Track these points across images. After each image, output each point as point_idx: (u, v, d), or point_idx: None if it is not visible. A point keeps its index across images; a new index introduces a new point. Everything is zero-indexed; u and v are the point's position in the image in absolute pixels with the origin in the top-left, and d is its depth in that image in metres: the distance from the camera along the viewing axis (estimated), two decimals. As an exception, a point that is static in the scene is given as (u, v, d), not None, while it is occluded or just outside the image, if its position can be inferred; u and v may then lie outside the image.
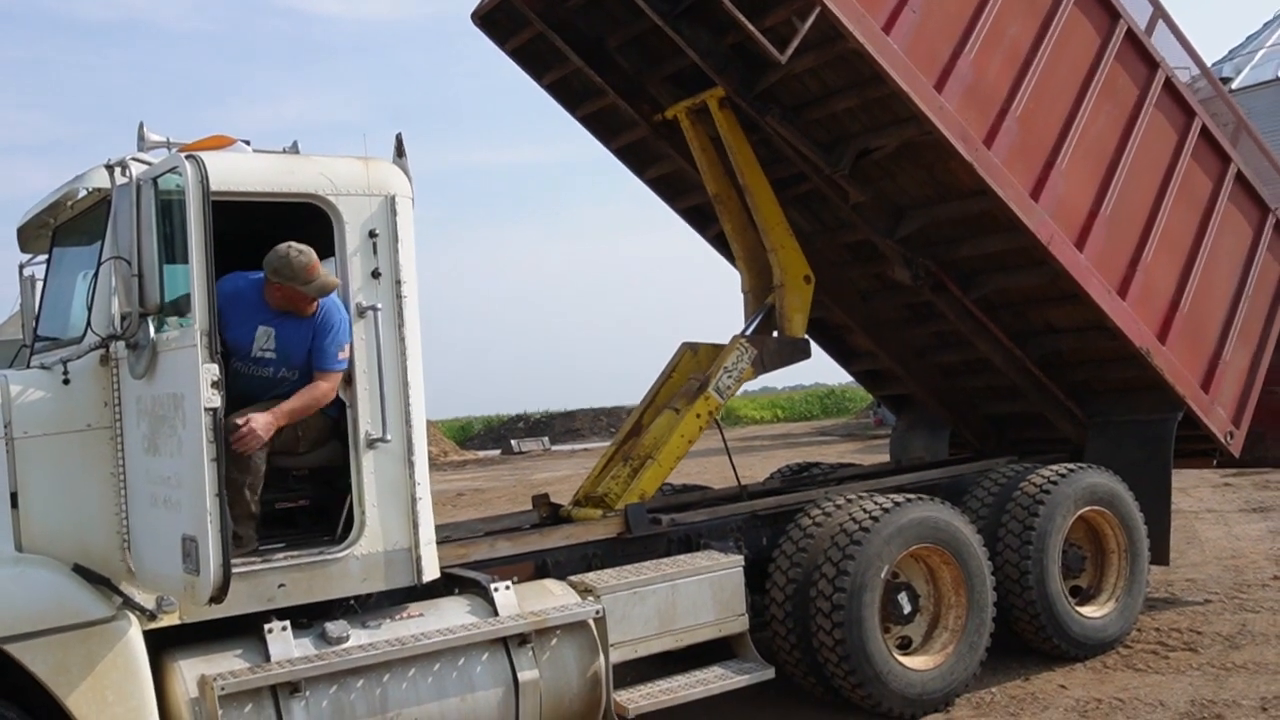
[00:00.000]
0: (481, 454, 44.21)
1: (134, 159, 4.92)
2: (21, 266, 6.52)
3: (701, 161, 8.42)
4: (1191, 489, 15.48)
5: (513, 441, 45.95)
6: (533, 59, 8.93)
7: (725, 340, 8.13)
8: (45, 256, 6.28)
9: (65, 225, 5.88)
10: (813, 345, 8.56)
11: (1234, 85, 32.15)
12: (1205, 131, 8.39)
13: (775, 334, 8.24)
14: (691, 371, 8.19)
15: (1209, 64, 9.28)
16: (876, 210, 8.39)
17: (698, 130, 8.33)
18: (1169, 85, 8.20)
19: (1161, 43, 8.29)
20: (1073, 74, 7.74)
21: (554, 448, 44.95)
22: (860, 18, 6.75)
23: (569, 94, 9.14)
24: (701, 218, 9.83)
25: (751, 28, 6.76)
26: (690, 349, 8.41)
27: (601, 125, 9.34)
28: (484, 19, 8.68)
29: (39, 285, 6.34)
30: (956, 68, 7.16)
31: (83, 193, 5.54)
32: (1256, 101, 30.89)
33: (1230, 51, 33.14)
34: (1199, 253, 8.41)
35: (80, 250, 5.79)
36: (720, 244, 9.77)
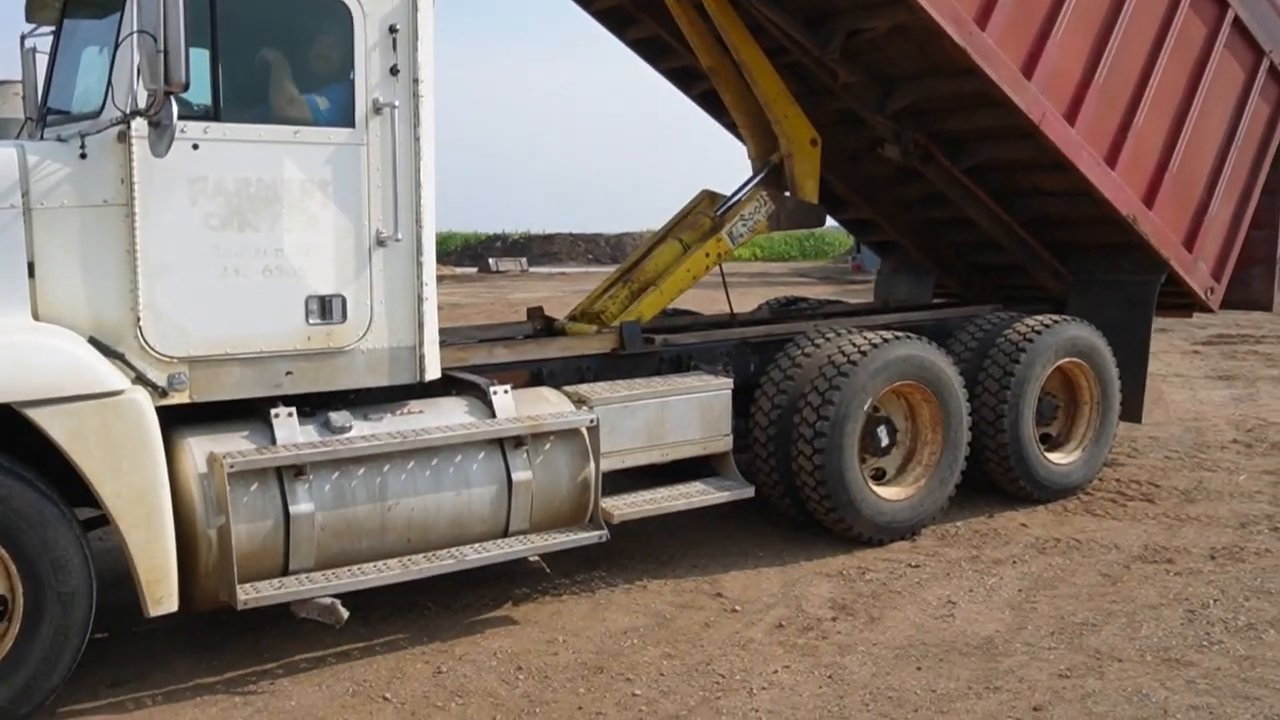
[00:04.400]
0: (458, 270, 44.16)
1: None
2: (24, 38, 6.40)
3: (690, 35, 8.14)
4: (1162, 354, 15.78)
5: (490, 260, 45.86)
6: None
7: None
8: (50, 29, 6.17)
9: (77, -4, 5.75)
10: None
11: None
12: None
13: (788, 194, 8.24)
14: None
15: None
16: (867, 88, 8.18)
17: (684, 5, 7.99)
18: None
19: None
20: None
21: (531, 269, 44.93)
22: None
23: None
24: (686, 78, 9.59)
25: None
26: (709, 196, 8.40)
27: None
28: None
29: (38, 58, 6.26)
30: None
31: (99, -38, 5.41)
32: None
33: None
34: (1190, 109, 8.35)
35: (94, 23, 5.68)
36: (706, 103, 9.65)
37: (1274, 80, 8.84)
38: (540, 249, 52.38)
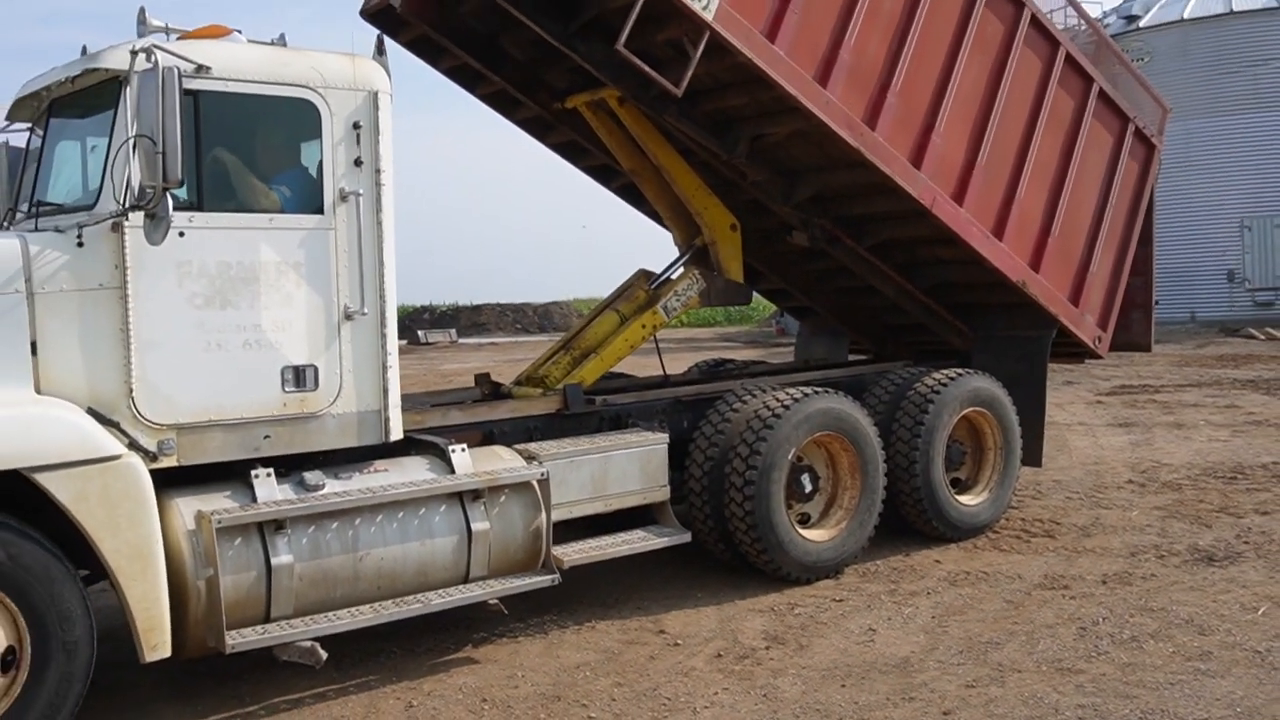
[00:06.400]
0: (388, 343, 44.31)
1: (155, 46, 5.39)
2: None
3: (609, 143, 8.80)
4: (1068, 405, 16.77)
5: (419, 332, 46.17)
6: (428, 48, 8.91)
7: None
8: (25, 126, 6.71)
9: (64, 99, 6.28)
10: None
11: (1142, 23, 33.31)
12: (1069, 58, 9.12)
13: (716, 274, 8.93)
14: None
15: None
16: (773, 183, 8.87)
17: (601, 117, 8.64)
18: (1035, 21, 8.83)
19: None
20: (946, 33, 8.28)
21: (461, 340, 45.34)
22: (748, 34, 7.12)
23: (467, 77, 9.22)
24: (605, 174, 10.30)
25: (653, 74, 7.00)
26: (644, 273, 9.09)
27: (501, 102, 9.52)
28: (373, 16, 8.63)
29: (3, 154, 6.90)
30: (839, 57, 7.63)
31: (80, 70, 5.97)
32: (1161, 40, 32.17)
33: (1140, -10, 34.13)
34: (1067, 175, 9.22)
35: (80, 121, 6.23)
36: (625, 194, 10.42)
37: (1140, 141, 9.85)
38: (468, 320, 52.74)
